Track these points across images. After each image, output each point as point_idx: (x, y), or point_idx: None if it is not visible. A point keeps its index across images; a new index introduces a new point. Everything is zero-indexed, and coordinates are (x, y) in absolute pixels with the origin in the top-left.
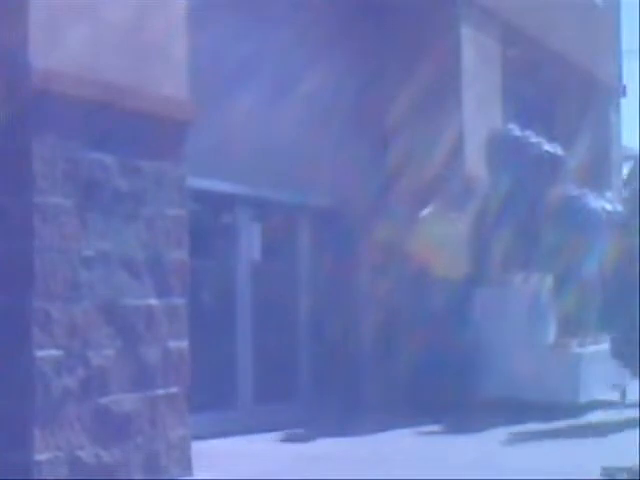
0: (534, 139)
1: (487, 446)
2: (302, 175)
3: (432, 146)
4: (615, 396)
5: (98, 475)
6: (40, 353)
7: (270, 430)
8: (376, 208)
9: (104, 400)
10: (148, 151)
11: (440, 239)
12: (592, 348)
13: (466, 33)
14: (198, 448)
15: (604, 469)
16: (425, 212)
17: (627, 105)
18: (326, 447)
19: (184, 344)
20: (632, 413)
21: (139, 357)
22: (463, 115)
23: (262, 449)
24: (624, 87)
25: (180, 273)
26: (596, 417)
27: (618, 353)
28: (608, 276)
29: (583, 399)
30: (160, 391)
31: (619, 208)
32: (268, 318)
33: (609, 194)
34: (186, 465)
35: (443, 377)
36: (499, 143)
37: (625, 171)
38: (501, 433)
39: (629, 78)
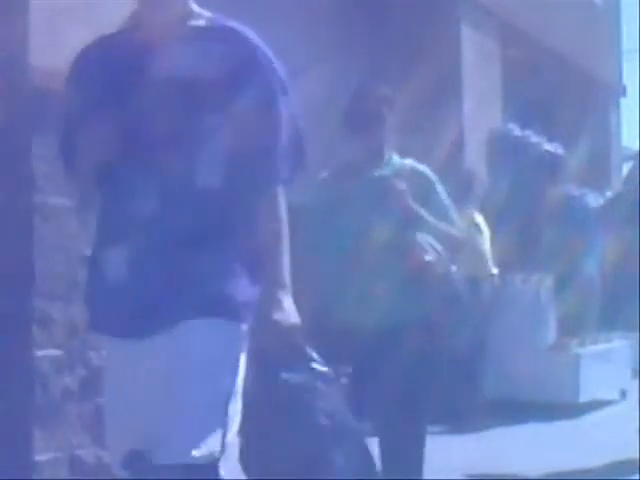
0: (534, 139)
1: (487, 446)
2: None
3: (432, 146)
4: (615, 395)
5: (98, 475)
6: (40, 353)
7: None
8: None
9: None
10: None
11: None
12: (592, 348)
13: (466, 33)
14: None
15: None
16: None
17: (627, 105)
18: None
19: None
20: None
21: None
22: (463, 115)
23: None
24: (624, 87)
25: None
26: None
27: None
28: (608, 276)
29: (583, 399)
30: None
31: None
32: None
33: (609, 194)
34: None
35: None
36: (499, 143)
37: (625, 171)
38: (501, 433)
39: (629, 78)
